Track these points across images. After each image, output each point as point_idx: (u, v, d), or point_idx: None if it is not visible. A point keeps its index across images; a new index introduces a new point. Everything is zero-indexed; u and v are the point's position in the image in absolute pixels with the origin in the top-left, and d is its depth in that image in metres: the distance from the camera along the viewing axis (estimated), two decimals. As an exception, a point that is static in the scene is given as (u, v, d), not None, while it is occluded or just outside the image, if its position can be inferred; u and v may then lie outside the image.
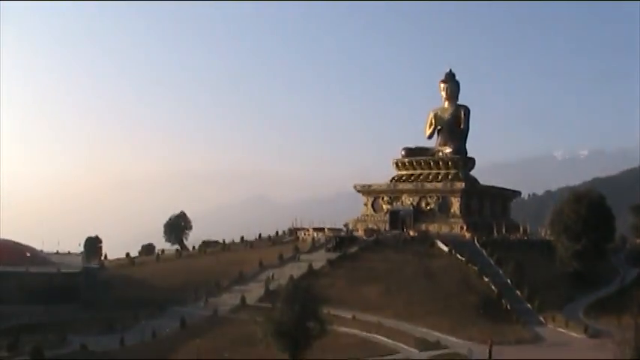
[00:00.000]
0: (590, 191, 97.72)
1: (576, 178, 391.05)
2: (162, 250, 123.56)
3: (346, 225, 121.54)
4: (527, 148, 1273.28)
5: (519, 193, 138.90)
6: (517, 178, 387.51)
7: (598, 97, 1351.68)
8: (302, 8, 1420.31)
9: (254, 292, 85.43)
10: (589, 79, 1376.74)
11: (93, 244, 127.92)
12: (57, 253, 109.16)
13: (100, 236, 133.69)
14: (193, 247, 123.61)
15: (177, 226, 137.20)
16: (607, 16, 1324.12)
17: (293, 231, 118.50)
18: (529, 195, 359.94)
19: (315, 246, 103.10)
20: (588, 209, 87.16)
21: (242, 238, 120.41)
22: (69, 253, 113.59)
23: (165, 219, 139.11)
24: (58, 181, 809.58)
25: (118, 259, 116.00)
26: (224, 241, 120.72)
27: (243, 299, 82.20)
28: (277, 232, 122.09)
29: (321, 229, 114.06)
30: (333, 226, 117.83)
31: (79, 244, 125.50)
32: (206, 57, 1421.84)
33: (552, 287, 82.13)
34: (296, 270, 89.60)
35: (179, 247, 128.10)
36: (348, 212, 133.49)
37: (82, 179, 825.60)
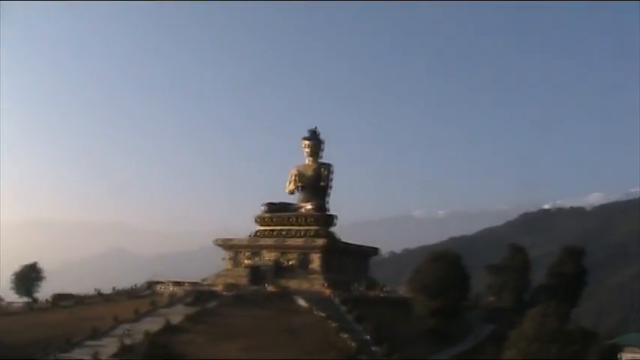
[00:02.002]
0: (447, 251, 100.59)
1: (434, 237, 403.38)
2: (9, 304, 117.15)
3: (206, 280, 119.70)
4: (388, 207, 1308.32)
5: (378, 250, 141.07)
6: (377, 236, 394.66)
7: (456, 161, 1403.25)
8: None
9: (108, 347, 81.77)
10: (447, 142, 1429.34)
11: None
12: None
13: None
14: (46, 300, 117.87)
15: (28, 278, 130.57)
16: (455, 87, 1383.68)
17: (151, 284, 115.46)
18: (388, 253, 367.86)
19: (173, 300, 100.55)
20: (445, 268, 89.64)
21: (98, 291, 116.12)
22: None
23: (14, 270, 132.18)
24: None
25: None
26: (78, 295, 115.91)
27: (95, 355, 78.75)
28: (134, 286, 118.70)
29: (180, 283, 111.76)
30: (192, 281, 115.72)
31: None
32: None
33: (411, 344, 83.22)
34: (153, 325, 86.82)
35: (30, 300, 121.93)
36: (210, 267, 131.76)
37: None
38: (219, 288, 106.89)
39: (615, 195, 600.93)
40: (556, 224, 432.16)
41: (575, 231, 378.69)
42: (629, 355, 74.78)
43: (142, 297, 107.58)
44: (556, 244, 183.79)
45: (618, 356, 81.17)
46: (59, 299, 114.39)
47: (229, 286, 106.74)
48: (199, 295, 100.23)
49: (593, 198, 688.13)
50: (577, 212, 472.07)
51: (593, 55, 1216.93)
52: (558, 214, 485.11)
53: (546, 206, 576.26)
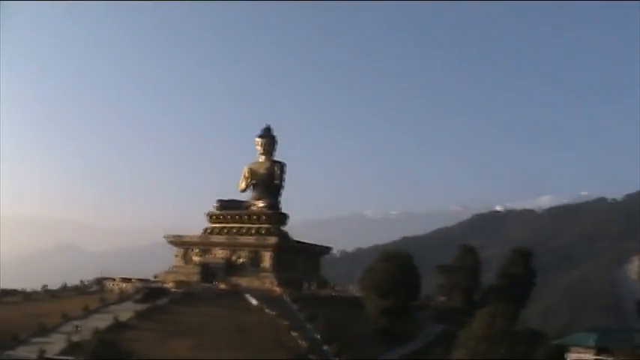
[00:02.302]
0: (398, 251, 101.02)
1: (386, 237, 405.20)
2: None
3: (156, 276, 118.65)
4: (341, 206, 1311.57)
5: (330, 249, 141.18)
6: (330, 235, 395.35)
7: (409, 162, 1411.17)
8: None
9: (55, 345, 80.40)
10: (400, 143, 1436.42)
11: None
12: None
13: None
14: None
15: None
16: (407, 88, 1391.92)
17: (100, 281, 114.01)
18: (340, 252, 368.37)
19: (122, 297, 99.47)
20: (397, 268, 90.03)
21: (45, 287, 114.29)
22: None
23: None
24: None
25: None
26: (25, 291, 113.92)
27: (42, 353, 77.42)
28: (83, 282, 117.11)
29: (130, 280, 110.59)
30: (142, 277, 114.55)
31: None
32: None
33: (361, 343, 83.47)
34: (101, 322, 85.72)
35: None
36: (160, 264, 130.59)
37: None
38: (169, 285, 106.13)
39: (564, 198, 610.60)
40: (507, 226, 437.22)
41: (525, 233, 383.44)
42: (575, 355, 75.63)
43: (90, 293, 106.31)
44: (506, 245, 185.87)
45: (565, 356, 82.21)
46: (5, 295, 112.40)
47: (180, 283, 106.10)
48: (149, 292, 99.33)
49: (543, 200, 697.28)
50: (527, 214, 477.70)
51: (553, 57, 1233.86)
52: (509, 215, 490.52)
53: (497, 208, 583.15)
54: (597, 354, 73.00)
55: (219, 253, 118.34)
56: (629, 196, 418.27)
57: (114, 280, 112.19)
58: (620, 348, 65.46)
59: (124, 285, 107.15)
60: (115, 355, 54.25)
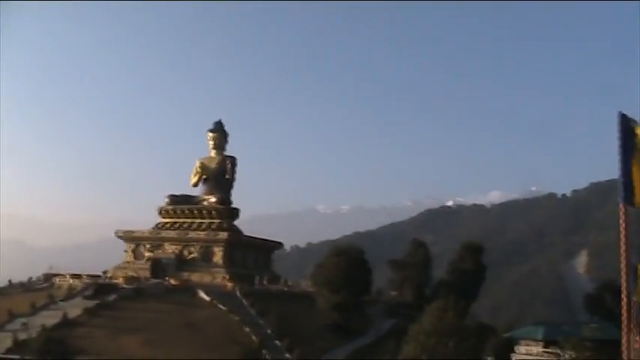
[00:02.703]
0: (350, 245, 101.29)
1: (338, 232, 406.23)
2: None
3: (106, 272, 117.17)
4: (292, 201, 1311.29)
5: (282, 244, 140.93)
6: (281, 230, 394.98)
7: (361, 156, 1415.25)
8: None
9: (2, 342, 79.09)
10: (351, 137, 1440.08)
11: None
12: None
13: None
14: None
15: None
16: (360, 81, 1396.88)
17: (48, 277, 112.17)
18: (292, 247, 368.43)
19: (71, 293, 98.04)
20: (348, 263, 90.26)
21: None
22: None
23: None
24: None
25: None
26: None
27: (-13, 351, 76.12)
28: (31, 279, 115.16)
29: (79, 276, 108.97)
30: (92, 273, 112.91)
31: None
32: None
33: (313, 338, 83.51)
34: (50, 319, 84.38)
35: None
36: (110, 260, 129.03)
37: None
38: (119, 281, 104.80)
39: (515, 193, 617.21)
40: (457, 221, 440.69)
41: (475, 228, 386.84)
42: (524, 348, 76.65)
43: (38, 290, 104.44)
44: (457, 240, 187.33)
45: (514, 349, 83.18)
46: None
47: (130, 279, 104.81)
48: (99, 288, 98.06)
49: (494, 196, 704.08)
50: (478, 209, 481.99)
51: (497, 47, 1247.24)
52: (460, 211, 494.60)
53: (448, 203, 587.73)
54: (545, 347, 73.98)
55: (170, 249, 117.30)
56: (577, 192, 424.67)
57: (63, 276, 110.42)
58: (567, 340, 66.37)
59: (73, 281, 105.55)
60: (64, 352, 53.38)
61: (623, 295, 12.69)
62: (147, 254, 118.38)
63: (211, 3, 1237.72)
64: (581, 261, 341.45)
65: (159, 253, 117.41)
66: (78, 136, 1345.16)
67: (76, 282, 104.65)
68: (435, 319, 63.86)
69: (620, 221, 12.64)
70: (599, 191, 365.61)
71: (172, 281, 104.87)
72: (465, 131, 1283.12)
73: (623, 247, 12.44)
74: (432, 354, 61.54)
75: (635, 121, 12.85)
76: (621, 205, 12.46)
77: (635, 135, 12.69)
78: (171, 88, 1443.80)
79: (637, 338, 35.55)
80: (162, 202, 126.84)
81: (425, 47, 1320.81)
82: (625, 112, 12.97)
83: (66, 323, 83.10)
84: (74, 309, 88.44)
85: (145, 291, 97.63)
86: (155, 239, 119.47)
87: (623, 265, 12.44)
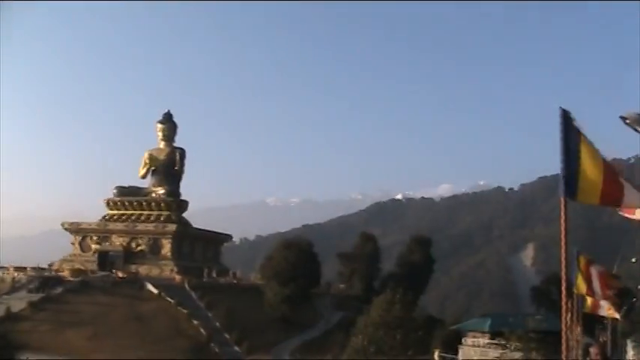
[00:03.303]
0: (298, 238, 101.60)
1: (287, 225, 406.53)
2: None
3: (51, 265, 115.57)
4: (242, 194, 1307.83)
5: (231, 237, 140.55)
6: (230, 222, 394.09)
7: (310, 149, 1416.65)
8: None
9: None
10: (303, 129, 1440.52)
11: None
12: None
13: None
14: None
15: None
16: (314, 75, 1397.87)
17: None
18: (241, 239, 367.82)
19: (15, 287, 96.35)
20: (297, 256, 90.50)
21: None
22: None
23: None
24: None
25: None
26: None
27: None
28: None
29: (24, 269, 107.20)
30: (37, 266, 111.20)
31: None
32: None
33: (261, 331, 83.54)
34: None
35: None
36: (56, 252, 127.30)
37: None
38: (65, 274, 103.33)
39: (464, 187, 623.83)
40: (407, 214, 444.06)
41: (424, 221, 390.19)
42: (471, 340, 77.50)
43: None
44: (406, 233, 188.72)
45: (462, 341, 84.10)
46: None
47: (76, 272, 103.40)
48: (44, 281, 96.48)
49: (443, 189, 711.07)
50: (427, 203, 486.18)
51: (444, 40, 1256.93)
52: (409, 204, 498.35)
53: (398, 196, 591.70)
54: (492, 338, 74.96)
55: (118, 241, 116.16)
56: (524, 186, 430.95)
57: (6, 269, 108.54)
58: (513, 332, 67.29)
59: (18, 274, 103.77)
60: (7, 347, 52.51)
61: (563, 288, 12.91)
62: (94, 246, 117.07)
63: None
64: (528, 254, 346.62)
65: (106, 246, 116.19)
66: (22, 125, 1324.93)
67: (21, 275, 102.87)
68: (382, 312, 64.21)
69: (561, 214, 12.85)
70: (546, 185, 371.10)
71: (120, 274, 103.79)
72: (417, 125, 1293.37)
73: (563, 240, 12.66)
74: (380, 346, 61.93)
75: (574, 120, 13.17)
76: (562, 199, 12.68)
77: (580, 137, 12.98)
78: (120, 79, 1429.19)
79: (578, 329, 36.18)
80: (110, 193, 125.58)
81: (377, 39, 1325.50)
82: (565, 108, 13.25)
83: (9, 317, 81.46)
84: (18, 303, 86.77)
85: (92, 284, 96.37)
86: (102, 231, 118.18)
87: (562, 258, 12.67)
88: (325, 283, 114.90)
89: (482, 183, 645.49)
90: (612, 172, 13.05)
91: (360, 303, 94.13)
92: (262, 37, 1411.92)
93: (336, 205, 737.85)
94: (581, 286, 28.49)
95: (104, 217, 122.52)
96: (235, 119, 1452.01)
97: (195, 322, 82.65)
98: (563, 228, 12.65)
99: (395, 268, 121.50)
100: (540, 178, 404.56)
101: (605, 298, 31.35)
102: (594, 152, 13.00)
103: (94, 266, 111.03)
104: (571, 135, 12.82)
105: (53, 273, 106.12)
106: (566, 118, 12.81)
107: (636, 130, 13.13)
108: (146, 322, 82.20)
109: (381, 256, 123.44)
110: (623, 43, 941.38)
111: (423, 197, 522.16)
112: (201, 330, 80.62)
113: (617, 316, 40.53)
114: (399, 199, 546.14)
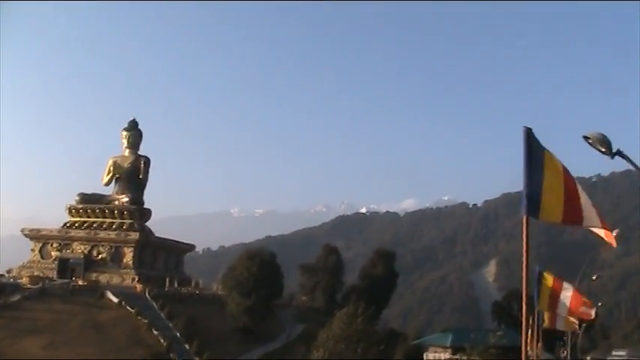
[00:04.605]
0: (262, 249, 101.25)
1: (251, 236, 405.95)
2: None
3: (9, 271, 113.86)
4: (206, 203, 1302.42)
5: (193, 247, 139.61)
6: (194, 232, 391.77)
7: (276, 161, 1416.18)
8: None
9: None
10: (269, 142, 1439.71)
11: None
12: None
13: None
14: None
15: None
16: (277, 87, 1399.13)
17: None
18: (203, 249, 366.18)
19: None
20: (259, 266, 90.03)
21: None
22: None
23: None
24: None
25: None
26: None
27: None
28: None
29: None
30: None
31: None
32: None
33: (222, 341, 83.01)
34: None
35: None
36: (15, 258, 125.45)
37: None
38: (23, 281, 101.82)
39: (428, 202, 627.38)
40: (370, 228, 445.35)
41: (387, 235, 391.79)
42: (432, 355, 78.13)
43: None
44: (369, 247, 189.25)
45: (423, 355, 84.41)
46: None
47: (35, 279, 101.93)
48: (1, 287, 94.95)
49: (407, 204, 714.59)
50: (390, 217, 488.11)
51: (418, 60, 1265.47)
52: (373, 217, 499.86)
53: (362, 210, 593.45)
54: (453, 353, 75.33)
55: (79, 249, 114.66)
56: (488, 202, 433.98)
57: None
58: (475, 347, 67.65)
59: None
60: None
61: (524, 304, 12.96)
62: (54, 253, 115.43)
63: None
64: (490, 269, 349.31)
65: (67, 253, 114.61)
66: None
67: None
68: (344, 325, 64.15)
69: (523, 232, 12.90)
70: (509, 201, 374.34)
71: (80, 282, 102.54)
72: (382, 140, 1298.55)
73: (525, 258, 12.71)
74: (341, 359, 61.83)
75: (537, 141, 13.29)
76: (524, 217, 12.74)
77: (544, 156, 12.91)
78: (87, 84, 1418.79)
79: (538, 345, 36.37)
80: (73, 200, 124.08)
81: (341, 51, 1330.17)
82: (529, 127, 13.34)
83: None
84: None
85: (51, 291, 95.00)
86: (63, 238, 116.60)
87: (524, 275, 12.72)
88: (288, 295, 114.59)
89: (446, 198, 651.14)
90: (574, 191, 13.12)
91: (322, 316, 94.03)
92: (224, 47, 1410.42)
93: (300, 217, 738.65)
94: (543, 302, 28.64)
95: (65, 224, 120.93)
96: (201, 129, 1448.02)
97: (155, 331, 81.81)
98: (525, 245, 12.67)
99: (358, 282, 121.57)
100: (504, 194, 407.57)
101: (579, 314, 31.54)
102: (558, 171, 13.05)
103: (53, 274, 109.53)
104: (534, 154, 12.85)
105: (11, 280, 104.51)
106: (530, 138, 12.85)
107: (598, 150, 13.19)
108: (105, 330, 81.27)
109: (344, 269, 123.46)
110: (586, 66, 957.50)
111: (387, 211, 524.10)
112: (161, 340, 79.81)
113: (578, 328, 40.89)
114: (363, 213, 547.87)
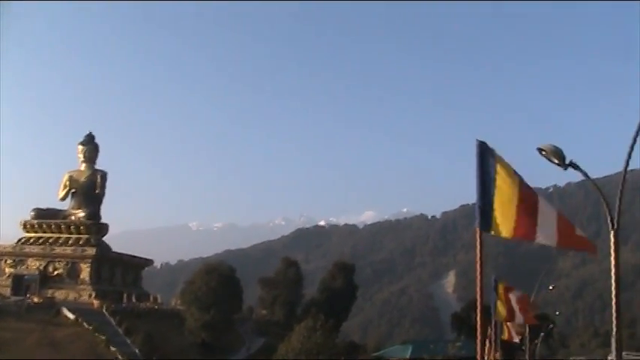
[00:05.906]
0: (220, 263, 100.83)
1: (209, 249, 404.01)
2: None
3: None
4: (164, 217, 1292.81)
5: (152, 261, 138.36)
6: (152, 246, 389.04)
7: (233, 174, 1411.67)
8: None
9: None
10: (225, 155, 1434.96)
11: None
12: None
13: None
14: None
15: None
16: (245, 97, 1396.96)
17: None
18: (162, 264, 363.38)
19: None
20: (218, 281, 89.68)
21: None
22: None
23: None
24: None
25: None
26: None
27: None
28: None
29: None
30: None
31: None
32: None
33: (182, 357, 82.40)
34: None
35: None
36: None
37: None
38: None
39: (387, 214, 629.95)
40: (329, 240, 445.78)
41: (347, 247, 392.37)
42: (392, 367, 78.12)
43: None
44: (328, 259, 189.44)
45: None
46: None
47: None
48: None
49: (366, 216, 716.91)
50: (350, 229, 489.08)
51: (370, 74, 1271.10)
52: (332, 230, 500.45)
53: (321, 222, 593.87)
54: (412, 365, 75.46)
55: (34, 265, 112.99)
56: (446, 214, 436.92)
57: None
58: (434, 359, 67.97)
59: None
60: None
61: (479, 315, 13.06)
62: (8, 270, 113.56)
63: None
64: (450, 280, 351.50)
65: (21, 270, 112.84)
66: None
67: None
68: (304, 338, 64.18)
69: (477, 245, 13.02)
70: (467, 213, 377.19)
71: (35, 299, 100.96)
72: (341, 152, 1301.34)
73: (479, 270, 12.82)
74: (301, 373, 61.78)
75: (494, 152, 13.32)
76: (477, 230, 12.85)
77: (496, 171, 12.97)
78: (41, 96, 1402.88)
79: (497, 355, 36.63)
80: (27, 215, 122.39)
81: (302, 66, 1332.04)
82: (484, 140, 13.44)
83: None
84: None
85: (4, 309, 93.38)
86: (17, 254, 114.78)
87: (478, 287, 12.84)
88: (247, 309, 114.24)
89: (405, 210, 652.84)
90: (532, 205, 13.09)
91: (282, 329, 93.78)
92: (180, 61, 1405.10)
93: (260, 230, 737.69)
94: (501, 312, 28.88)
95: (20, 239, 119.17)
96: (159, 142, 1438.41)
97: (113, 348, 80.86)
98: (479, 258, 12.78)
99: (317, 294, 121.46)
100: (462, 205, 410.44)
101: (528, 321, 31.87)
102: (513, 185, 13.04)
103: (7, 291, 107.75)
104: (487, 168, 12.91)
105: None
106: (483, 151, 12.93)
107: (552, 162, 13.36)
108: (61, 348, 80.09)
109: (304, 282, 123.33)
110: (554, 77, 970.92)
111: (346, 224, 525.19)
112: (119, 356, 78.91)
113: (516, 339, 41.32)
114: (322, 226, 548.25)
